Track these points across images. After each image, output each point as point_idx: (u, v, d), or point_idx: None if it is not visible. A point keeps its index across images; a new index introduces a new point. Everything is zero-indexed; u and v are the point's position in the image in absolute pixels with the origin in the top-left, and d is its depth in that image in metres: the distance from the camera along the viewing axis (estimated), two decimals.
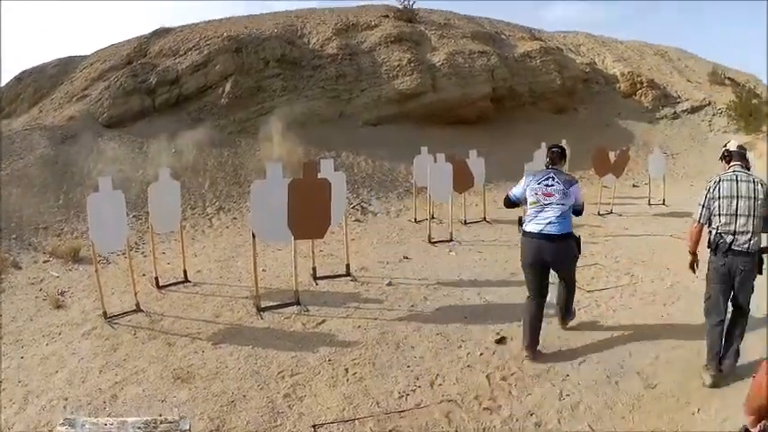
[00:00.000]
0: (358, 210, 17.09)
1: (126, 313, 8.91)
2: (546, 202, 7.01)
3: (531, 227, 7.08)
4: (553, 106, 28.30)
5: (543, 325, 7.52)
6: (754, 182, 6.34)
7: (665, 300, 9.45)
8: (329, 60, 24.18)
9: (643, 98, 31.21)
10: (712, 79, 34.17)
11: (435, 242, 13.58)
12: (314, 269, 10.77)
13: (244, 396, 6.44)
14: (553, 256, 7.11)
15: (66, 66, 24.52)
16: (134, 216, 14.36)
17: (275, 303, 9.26)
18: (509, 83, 26.20)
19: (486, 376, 6.88)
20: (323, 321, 8.62)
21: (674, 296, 9.59)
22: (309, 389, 6.61)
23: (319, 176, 9.89)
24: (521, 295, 8.05)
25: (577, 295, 8.63)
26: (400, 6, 28.71)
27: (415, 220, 15.92)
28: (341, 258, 11.39)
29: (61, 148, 17.64)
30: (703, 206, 6.50)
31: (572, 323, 8.29)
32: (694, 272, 6.98)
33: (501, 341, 7.80)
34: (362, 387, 6.64)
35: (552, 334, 7.99)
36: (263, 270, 11.24)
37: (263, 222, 9.10)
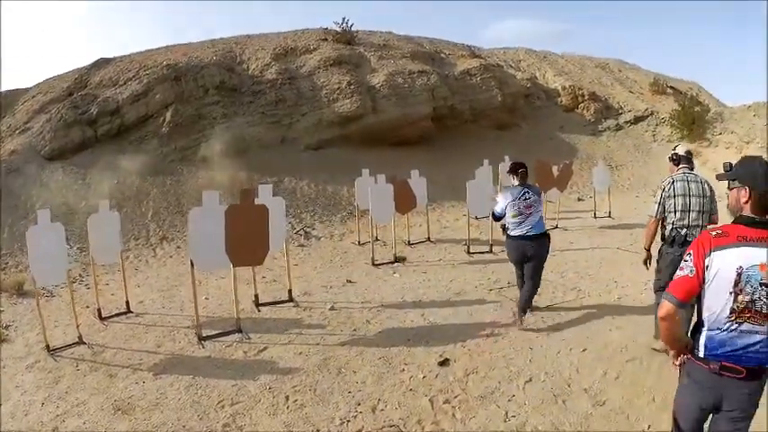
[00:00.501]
0: (301, 234, 16.83)
1: (68, 346, 8.77)
2: (528, 213, 8.64)
3: (516, 232, 8.72)
4: (495, 123, 28.29)
5: (477, 348, 7.95)
6: (701, 182, 7.40)
7: (612, 313, 9.30)
8: (269, 85, 23.97)
9: (585, 111, 31.46)
10: (654, 89, 34.65)
11: (379, 264, 13.36)
12: (256, 296, 10.57)
13: (183, 426, 6.31)
14: (533, 252, 8.71)
15: (7, 98, 23.96)
16: (78, 248, 14.20)
17: (217, 332, 9.05)
18: (450, 101, 26.11)
19: (429, 400, 6.67)
20: (264, 348, 8.46)
21: (622, 309, 9.46)
22: (249, 418, 6.47)
23: (257, 202, 9.87)
24: (464, 316, 9.30)
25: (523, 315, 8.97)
26: (338, 29, 28.58)
27: (359, 242, 15.67)
28: (284, 284, 11.14)
29: (4, 181, 17.32)
30: (659, 204, 7.41)
31: (517, 338, 8.31)
32: (647, 267, 7.92)
33: (444, 363, 7.59)
34: (303, 414, 6.48)
35: (496, 353, 7.84)
36: (205, 298, 11.11)
37: (201, 250, 8.88)
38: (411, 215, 15.88)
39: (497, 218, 9.17)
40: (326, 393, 6.95)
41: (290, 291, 10.81)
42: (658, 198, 7.44)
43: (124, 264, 11.31)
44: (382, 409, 6.52)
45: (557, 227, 16.94)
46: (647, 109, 31.67)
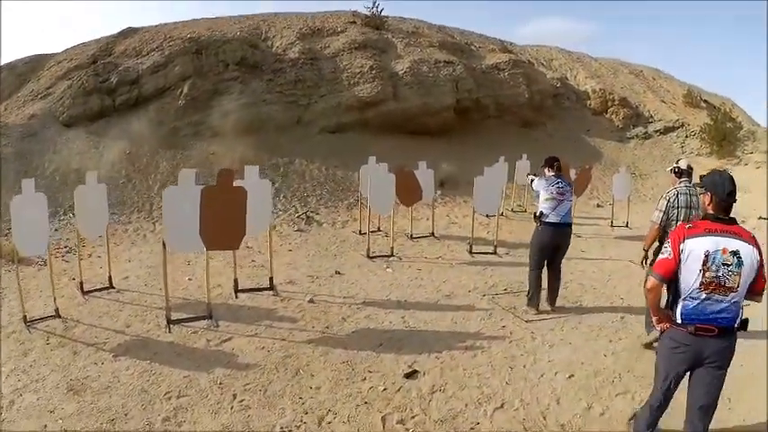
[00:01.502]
0: (303, 219, 16.31)
1: (44, 318, 8.68)
2: (560, 199, 9.18)
3: (551, 219, 9.18)
4: (519, 120, 27.58)
5: (451, 362, 7.36)
6: (692, 194, 8.00)
7: (611, 335, 8.52)
8: (290, 64, 23.55)
9: (614, 116, 30.80)
10: (687, 101, 33.89)
11: (374, 257, 12.72)
12: (235, 281, 10.07)
13: (125, 414, 6.07)
14: (564, 239, 9.39)
15: (36, 63, 24.06)
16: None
17: (187, 316, 8.70)
18: (474, 94, 25.43)
19: (383, 417, 6.04)
20: (228, 339, 8.04)
21: (624, 331, 8.67)
22: (191, 414, 6.13)
23: (244, 183, 9.42)
24: (447, 322, 8.81)
25: (511, 326, 8.71)
26: (368, 13, 28.13)
27: (360, 232, 14.98)
28: (273, 270, 10.57)
29: (20, 145, 17.65)
30: (663, 212, 7.95)
31: (499, 354, 7.60)
32: (643, 267, 8.32)
33: (411, 375, 6.89)
34: (245, 417, 6.07)
35: (471, 370, 7.15)
36: (188, 279, 10.90)
37: (175, 231, 8.45)
38: (418, 208, 15.51)
39: (533, 187, 9.99)
40: (276, 396, 6.49)
41: (270, 278, 10.30)
42: (663, 207, 7.96)
43: (109, 238, 10.91)
44: (329, 422, 5.96)
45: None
46: (677, 120, 30.98)
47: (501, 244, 13.64)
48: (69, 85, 20.71)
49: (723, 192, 4.79)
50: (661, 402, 5.19)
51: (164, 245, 8.44)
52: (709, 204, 4.86)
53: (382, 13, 28.46)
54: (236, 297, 9.82)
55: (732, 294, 4.64)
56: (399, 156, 16.21)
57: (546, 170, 9.63)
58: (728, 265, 4.59)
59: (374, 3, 28.25)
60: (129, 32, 24.64)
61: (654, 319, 5.17)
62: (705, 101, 34.45)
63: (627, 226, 17.65)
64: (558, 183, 9.31)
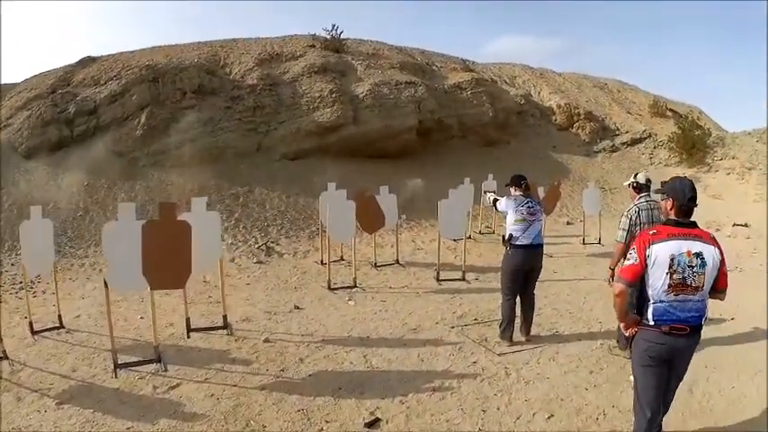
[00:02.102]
0: (263, 250, 15.65)
1: None
2: (531, 219, 8.72)
3: (523, 241, 8.69)
4: (484, 139, 27.19)
5: (417, 407, 6.67)
6: (654, 208, 8.01)
7: (592, 365, 7.88)
8: (248, 91, 23.05)
9: (580, 131, 30.60)
10: (653, 111, 34.05)
11: (336, 288, 12.05)
12: (187, 320, 9.28)
13: None
14: (537, 262, 8.90)
15: None
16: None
17: (136, 359, 8.09)
18: (437, 114, 25.01)
19: None
20: (177, 385, 7.40)
21: (605, 359, 8.06)
22: None
23: (190, 215, 8.86)
24: (414, 360, 8.09)
25: (483, 361, 8.04)
26: (327, 36, 27.71)
27: (322, 262, 14.25)
28: (229, 306, 9.93)
29: None
30: (627, 231, 7.98)
31: (470, 394, 6.89)
32: (610, 285, 7.94)
33: (372, 425, 6.19)
34: None
35: (439, 416, 6.48)
36: (140, 318, 10.18)
37: (116, 269, 7.75)
38: (383, 234, 15.02)
39: (496, 209, 9.52)
40: None
41: (224, 317, 9.51)
42: (626, 226, 7.99)
43: (59, 274, 10.79)
44: None
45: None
46: (644, 131, 30.94)
47: (469, 269, 13.05)
48: (28, 116, 20.38)
49: (684, 197, 4.99)
50: (651, 419, 5.24)
51: (105, 284, 7.74)
52: (671, 209, 5.08)
53: (341, 36, 28.04)
54: (189, 337, 9.11)
55: (699, 293, 4.90)
56: (362, 180, 15.81)
57: (512, 189, 9.11)
58: (693, 267, 4.82)
59: (333, 26, 27.87)
60: (87, 62, 24.16)
61: (621, 325, 5.39)
62: (671, 110, 34.62)
63: (599, 242, 17.18)
64: (527, 202, 8.85)
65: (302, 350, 8.58)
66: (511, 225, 8.79)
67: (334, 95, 22.93)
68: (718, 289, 5.04)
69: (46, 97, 21.43)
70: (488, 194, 10.18)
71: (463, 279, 12.65)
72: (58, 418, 6.57)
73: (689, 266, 4.80)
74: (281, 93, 23.34)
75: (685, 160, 27.89)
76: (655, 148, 29.78)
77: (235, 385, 7.36)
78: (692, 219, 5.07)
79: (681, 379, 5.30)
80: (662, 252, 4.81)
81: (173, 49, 26.35)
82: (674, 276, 4.80)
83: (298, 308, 10.83)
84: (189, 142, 20.37)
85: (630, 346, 5.52)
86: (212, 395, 7.08)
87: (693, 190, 5.01)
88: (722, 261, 4.96)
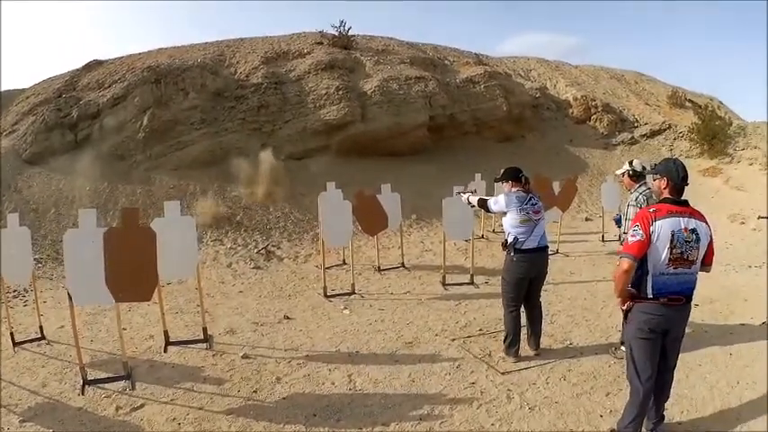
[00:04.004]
0: (262, 254, 14.97)
1: None
2: (536, 218, 7.86)
3: (529, 244, 7.80)
4: (498, 134, 26.37)
5: None
6: (642, 193, 7.92)
7: (609, 385, 6.90)
8: (252, 90, 22.40)
9: (598, 123, 29.57)
10: (672, 102, 33.02)
11: (332, 296, 11.21)
12: (165, 333, 8.78)
13: None
14: (543, 267, 8.06)
15: (6, 99, 23.70)
16: (35, 259, 12.78)
17: (106, 376, 7.55)
18: (449, 110, 24.26)
19: None
20: (141, 406, 6.85)
21: (623, 379, 6.94)
22: None
23: (163, 221, 8.53)
24: (404, 380, 7.18)
25: (483, 382, 7.09)
26: (336, 33, 26.99)
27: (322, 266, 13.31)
28: (215, 316, 9.90)
29: None
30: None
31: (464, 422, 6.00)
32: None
33: None
34: None
35: None
36: (123, 329, 9.10)
37: (78, 281, 7.11)
38: (390, 235, 14.53)
39: (486, 209, 8.61)
40: None
41: (204, 329, 8.84)
42: (630, 215, 7.77)
43: (36, 284, 10.20)
44: None
45: (557, 251, 14.73)
46: (664, 122, 29.92)
47: (479, 271, 12.23)
48: (33, 121, 20.24)
49: (678, 176, 5.32)
50: (647, 392, 5.45)
51: (69, 296, 7.10)
52: (665, 188, 5.40)
53: (350, 33, 27.33)
54: (165, 351, 8.54)
55: (693, 267, 5.29)
56: (370, 180, 14.94)
57: (509, 185, 8.01)
58: (689, 242, 5.19)
59: (342, 22, 27.16)
60: (94, 65, 24.03)
61: (618, 300, 5.59)
62: (690, 101, 33.58)
63: (620, 239, 16.16)
64: (531, 199, 7.89)
65: (282, 368, 7.81)
66: (514, 227, 7.83)
67: (341, 92, 22.24)
68: (706, 262, 5.47)
69: (51, 102, 21.27)
70: (465, 195, 9.18)
71: (471, 283, 11.82)
72: None
73: (686, 242, 5.17)
74: (286, 91, 22.71)
75: (706, 151, 27.02)
76: (675, 139, 28.86)
77: (201, 408, 6.71)
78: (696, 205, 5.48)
79: (678, 349, 5.62)
80: (664, 228, 5.16)
81: (178, 50, 25.87)
82: (675, 251, 5.15)
83: (287, 318, 10.05)
84: (191, 144, 20.01)
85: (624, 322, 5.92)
86: (174, 419, 6.48)
87: (685, 170, 5.39)
88: (711, 238, 5.39)
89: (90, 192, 17.54)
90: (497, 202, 8.05)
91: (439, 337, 8.75)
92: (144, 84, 20.93)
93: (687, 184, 5.37)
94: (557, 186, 15.25)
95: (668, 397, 5.78)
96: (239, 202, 17.95)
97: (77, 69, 24.04)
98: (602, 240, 16.38)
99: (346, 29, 27.14)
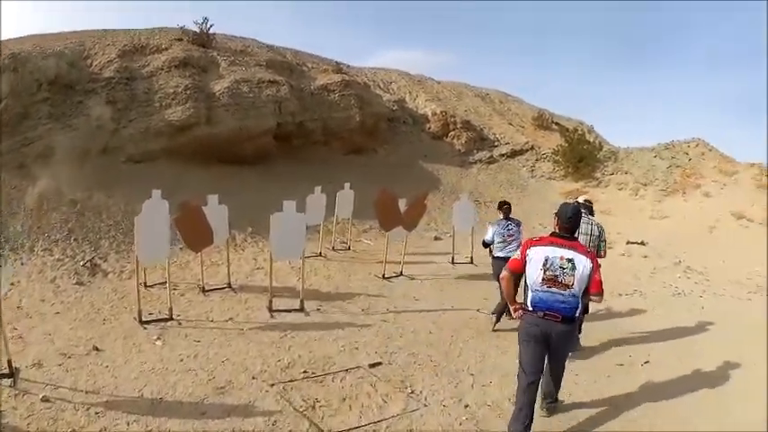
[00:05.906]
0: (87, 268, 13.51)
1: None
2: (509, 240, 11.13)
3: (500, 253, 10.98)
4: (349, 145, 25.90)
5: None
6: (591, 223, 9.62)
7: None
8: (103, 84, 21.01)
9: (455, 140, 29.58)
10: (537, 123, 34.09)
11: (149, 321, 10.08)
12: None
13: None
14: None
15: None
16: None
17: None
18: (299, 117, 23.54)
19: None
20: None
21: None
22: None
23: None
24: None
25: None
26: (197, 30, 25.81)
27: (145, 284, 12.19)
28: (28, 343, 8.84)
29: None
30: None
31: None
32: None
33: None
34: None
35: None
36: None
37: None
38: (222, 250, 13.47)
39: (486, 245, 11.64)
40: None
41: (9, 361, 7.53)
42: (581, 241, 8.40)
43: None
44: None
45: (401, 274, 14.10)
46: (527, 143, 30.50)
47: (311, 295, 11.54)
48: None
49: (565, 217, 6.38)
50: (531, 383, 6.36)
51: None
52: (556, 224, 6.47)
53: (210, 30, 26.21)
54: None
55: (569, 290, 6.16)
56: (210, 188, 13.84)
57: (499, 213, 11.91)
58: (564, 269, 6.11)
59: (204, 19, 26.13)
60: None
61: (512, 307, 6.67)
62: (557, 123, 34.60)
63: (472, 262, 15.83)
64: (507, 226, 11.46)
65: (79, 416, 6.70)
66: (495, 243, 11.33)
67: (188, 92, 21.18)
68: (590, 292, 6.34)
69: None
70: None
71: (301, 310, 10.94)
72: None
73: (560, 268, 6.13)
74: (135, 87, 21.47)
75: (571, 174, 27.59)
76: (537, 160, 29.33)
77: None
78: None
79: (563, 358, 6.83)
80: (538, 253, 6.25)
81: (44, 38, 23.97)
82: (548, 273, 6.15)
83: (96, 349, 8.86)
84: (34, 141, 18.54)
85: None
86: None
87: (575, 213, 6.47)
88: (594, 269, 6.24)
89: None
90: (487, 233, 11.61)
91: (256, 381, 7.80)
92: (4, 71, 19.20)
93: (575, 225, 6.52)
94: (403, 204, 14.48)
95: (560, 386, 7.14)
96: (74, 206, 16.40)
97: None
98: (452, 262, 15.87)
99: (207, 26, 26.06)
